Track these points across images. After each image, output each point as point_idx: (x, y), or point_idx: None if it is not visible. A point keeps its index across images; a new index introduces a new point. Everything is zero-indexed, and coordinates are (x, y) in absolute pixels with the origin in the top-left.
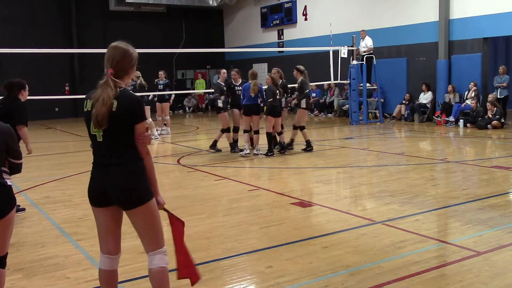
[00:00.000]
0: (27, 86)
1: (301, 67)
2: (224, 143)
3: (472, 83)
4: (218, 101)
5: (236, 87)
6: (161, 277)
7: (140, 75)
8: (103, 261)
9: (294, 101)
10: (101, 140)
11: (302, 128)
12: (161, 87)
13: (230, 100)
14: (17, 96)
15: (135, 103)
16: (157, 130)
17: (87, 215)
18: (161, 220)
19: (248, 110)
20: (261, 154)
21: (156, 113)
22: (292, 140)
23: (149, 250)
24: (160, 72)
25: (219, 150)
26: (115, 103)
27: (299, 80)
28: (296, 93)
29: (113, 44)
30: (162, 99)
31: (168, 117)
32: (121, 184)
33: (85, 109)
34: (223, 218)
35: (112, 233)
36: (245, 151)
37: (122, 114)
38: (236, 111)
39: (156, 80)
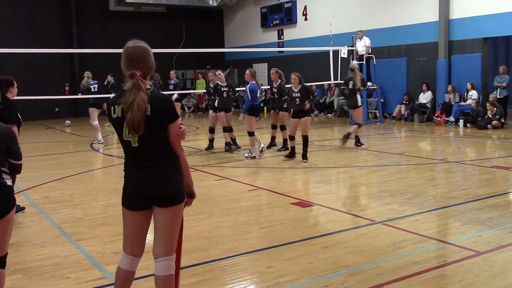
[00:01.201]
0: (15, 83)
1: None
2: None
3: (469, 84)
4: (216, 101)
5: (222, 88)
6: (170, 284)
7: (90, 75)
8: (125, 261)
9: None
10: (136, 145)
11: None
12: (171, 87)
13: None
14: (5, 93)
15: (167, 103)
16: None
17: (87, 215)
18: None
19: (254, 111)
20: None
21: None
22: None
23: (161, 254)
24: (171, 72)
25: (238, 147)
26: (149, 106)
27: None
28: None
29: (131, 44)
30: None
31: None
32: (159, 182)
33: (114, 116)
34: (223, 218)
35: (140, 236)
36: (262, 149)
37: (157, 117)
38: (222, 113)
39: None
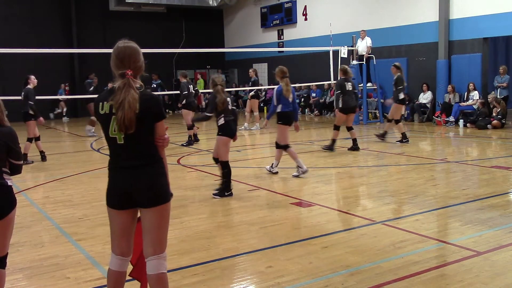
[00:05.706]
0: None
1: (398, 64)
2: None
3: (471, 85)
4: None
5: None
6: (162, 283)
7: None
8: (115, 262)
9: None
10: (122, 142)
11: (397, 121)
12: (250, 84)
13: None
14: None
15: (155, 102)
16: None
17: (87, 215)
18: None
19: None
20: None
21: (245, 110)
22: (386, 132)
23: (151, 253)
24: (250, 70)
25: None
26: (138, 105)
27: (396, 76)
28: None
29: (122, 44)
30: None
31: (256, 113)
32: (145, 183)
33: (102, 112)
34: (223, 218)
35: (127, 235)
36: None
37: (144, 114)
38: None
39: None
